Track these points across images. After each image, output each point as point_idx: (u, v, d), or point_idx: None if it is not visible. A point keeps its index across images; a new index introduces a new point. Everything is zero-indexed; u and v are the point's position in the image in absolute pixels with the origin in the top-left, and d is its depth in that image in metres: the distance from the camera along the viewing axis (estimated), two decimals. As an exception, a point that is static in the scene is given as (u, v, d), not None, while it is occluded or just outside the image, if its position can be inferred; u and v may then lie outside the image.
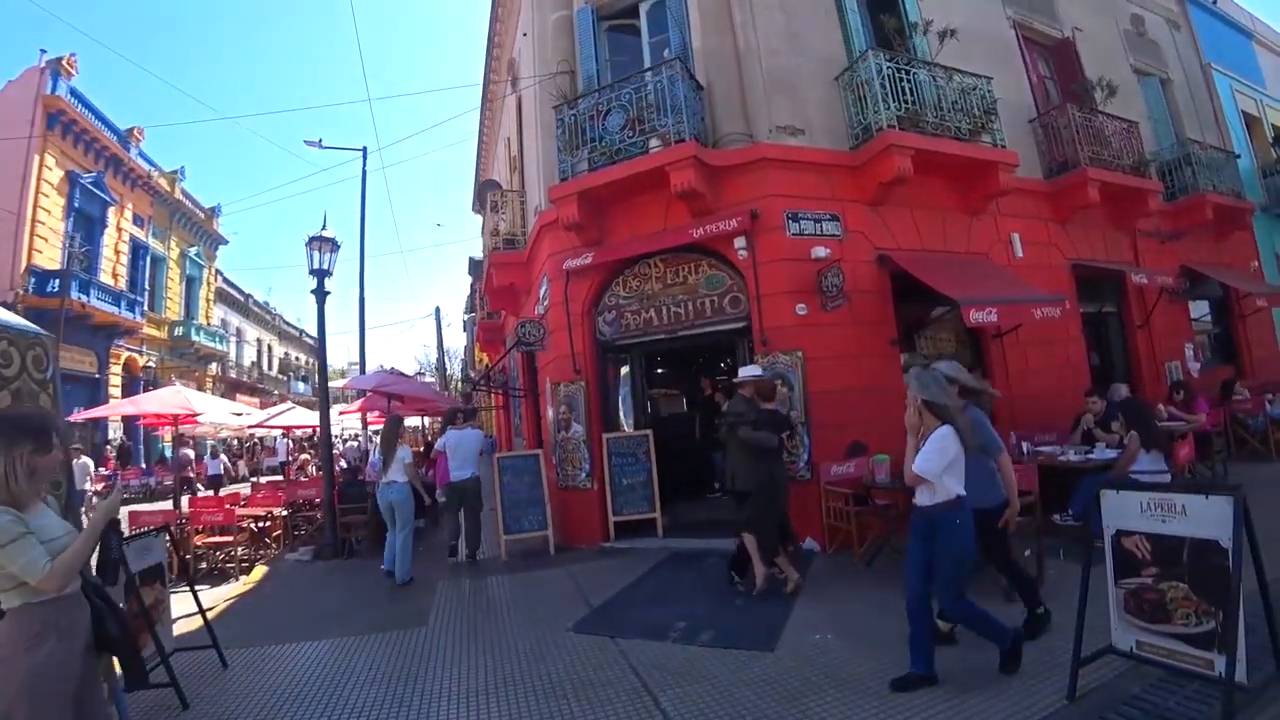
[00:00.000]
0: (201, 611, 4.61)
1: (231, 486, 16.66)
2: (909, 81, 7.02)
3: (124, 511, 10.45)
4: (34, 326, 3.37)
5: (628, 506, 7.61)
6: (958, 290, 6.27)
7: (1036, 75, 9.59)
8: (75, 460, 10.05)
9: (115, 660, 2.83)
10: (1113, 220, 9.32)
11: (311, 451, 19.43)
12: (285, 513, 9.41)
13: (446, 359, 37.01)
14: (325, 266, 9.70)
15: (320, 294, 9.89)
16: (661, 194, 6.95)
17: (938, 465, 3.26)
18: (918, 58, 7.54)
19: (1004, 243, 8.03)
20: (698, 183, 6.73)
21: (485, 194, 12.81)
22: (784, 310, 6.71)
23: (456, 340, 41.27)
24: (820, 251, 6.77)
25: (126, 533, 4.33)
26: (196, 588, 6.77)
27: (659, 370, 12.15)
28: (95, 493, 13.26)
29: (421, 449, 17.84)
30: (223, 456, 20.75)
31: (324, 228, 9.73)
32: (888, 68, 6.91)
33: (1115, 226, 9.41)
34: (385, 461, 6.93)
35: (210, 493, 14.88)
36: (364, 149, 16.73)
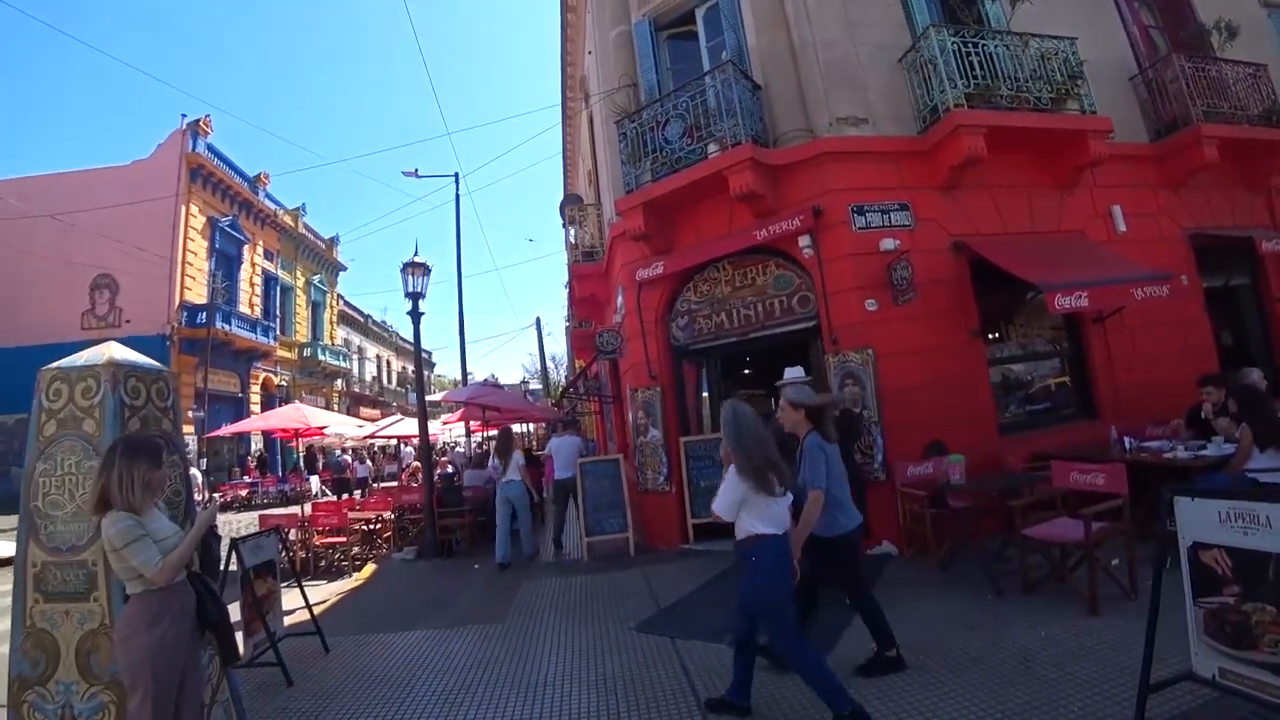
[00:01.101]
0: (307, 604, 5.23)
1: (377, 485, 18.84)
2: (978, 54, 6.62)
3: (255, 515, 11.83)
4: (157, 364, 3.88)
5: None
6: (1041, 274, 5.85)
7: (1139, 26, 8.71)
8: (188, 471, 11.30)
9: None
10: (1243, 179, 8.29)
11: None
12: (393, 516, 10.17)
13: (553, 366, 38.25)
14: (419, 290, 10.42)
15: (415, 315, 10.62)
16: (724, 198, 6.96)
17: (729, 503, 3.16)
18: (989, 27, 7.10)
19: (1103, 217, 7.37)
20: (757, 184, 6.69)
21: (565, 208, 13.25)
22: (853, 307, 6.53)
23: (561, 348, 42.61)
24: (889, 244, 6.52)
25: (243, 533, 4.94)
26: (315, 582, 7.79)
27: (745, 371, 12.09)
28: (198, 503, 14.89)
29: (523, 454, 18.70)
30: (368, 461, 22.91)
31: (415, 254, 10.43)
32: (953, 43, 6.55)
33: (1247, 186, 8.36)
34: (504, 465, 8.21)
35: (359, 492, 16.58)
36: (456, 175, 17.77)
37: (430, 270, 10.63)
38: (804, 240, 6.70)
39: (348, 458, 24.37)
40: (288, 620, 5.24)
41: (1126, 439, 5.86)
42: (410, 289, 10.36)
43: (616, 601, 5.70)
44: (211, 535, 2.98)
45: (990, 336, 7.27)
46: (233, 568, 4.59)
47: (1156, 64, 8.05)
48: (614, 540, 7.69)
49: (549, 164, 45.13)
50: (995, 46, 6.73)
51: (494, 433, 20.73)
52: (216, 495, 3.41)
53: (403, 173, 18.10)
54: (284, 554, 5.76)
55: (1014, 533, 4.62)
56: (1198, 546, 2.80)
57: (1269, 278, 8.37)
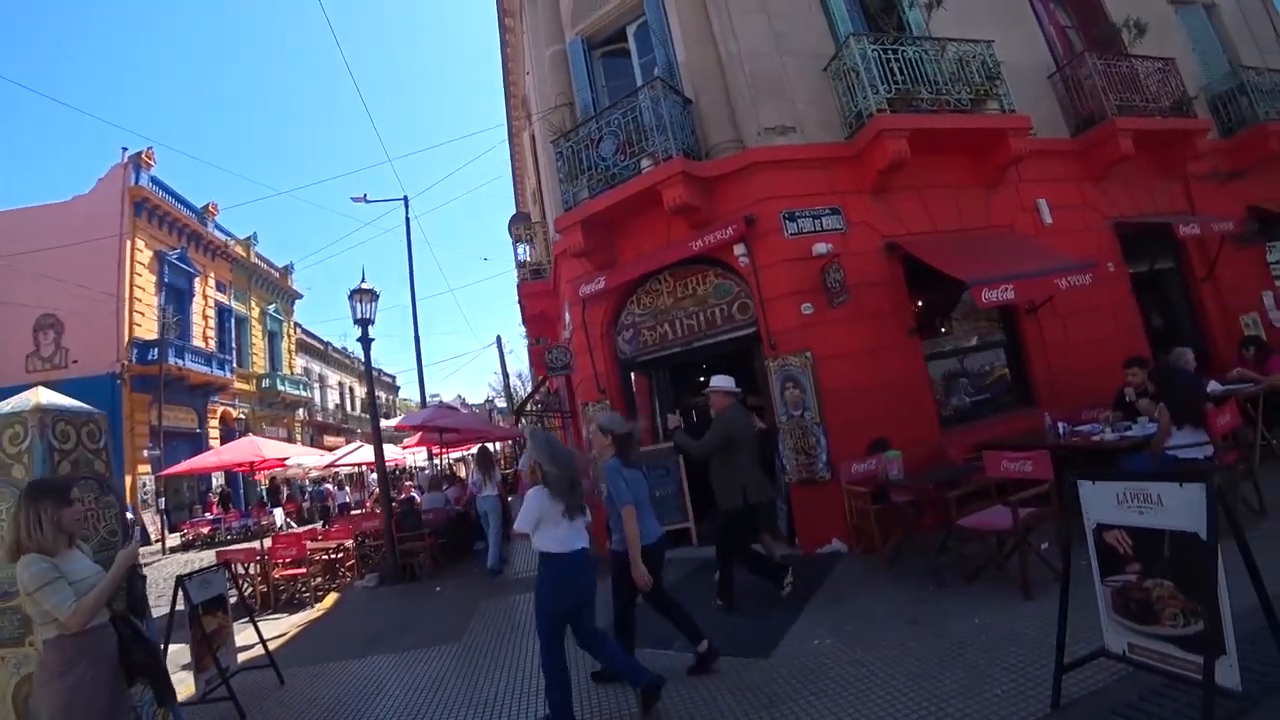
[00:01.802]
0: (260, 637, 5.18)
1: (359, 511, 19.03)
2: (898, 60, 6.81)
3: (212, 552, 11.56)
4: (87, 407, 3.84)
5: (663, 518, 7.65)
6: (968, 270, 6.02)
7: (1055, 26, 9.07)
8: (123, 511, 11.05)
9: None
10: (1159, 168, 8.66)
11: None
12: (353, 544, 10.01)
13: (520, 383, 37.98)
14: (368, 315, 10.32)
15: (365, 341, 10.53)
16: (661, 211, 7.03)
17: (528, 522, 3.46)
18: (909, 34, 7.33)
19: (1029, 211, 7.63)
20: (690, 197, 6.78)
21: (513, 227, 13.24)
22: (789, 312, 6.63)
23: (526, 365, 42.38)
24: (821, 248, 6.65)
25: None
26: (276, 615, 7.73)
27: (700, 379, 12.16)
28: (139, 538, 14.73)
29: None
30: (347, 488, 22.76)
31: (363, 280, 10.35)
32: (873, 50, 6.74)
33: (1164, 175, 8.74)
34: (484, 479, 9.21)
35: (322, 524, 16.41)
36: (405, 198, 17.73)
37: (378, 296, 10.55)
38: (739, 249, 6.80)
39: (329, 486, 24.28)
40: (245, 655, 5.20)
41: (1060, 425, 6.05)
42: (359, 315, 10.27)
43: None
44: (135, 575, 2.91)
45: (938, 331, 7.46)
46: (180, 606, 4.57)
47: (1072, 62, 8.39)
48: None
49: (500, 183, 44.93)
50: (915, 52, 6.94)
51: (454, 455, 20.85)
52: (138, 531, 3.33)
53: (351, 198, 17.95)
54: (237, 589, 5.69)
55: (952, 524, 4.74)
56: (1101, 527, 2.92)
57: (1191, 261, 8.74)
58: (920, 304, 7.24)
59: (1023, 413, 6.96)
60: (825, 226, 6.80)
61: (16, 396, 3.57)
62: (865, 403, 6.35)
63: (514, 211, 20.67)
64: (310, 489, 25.36)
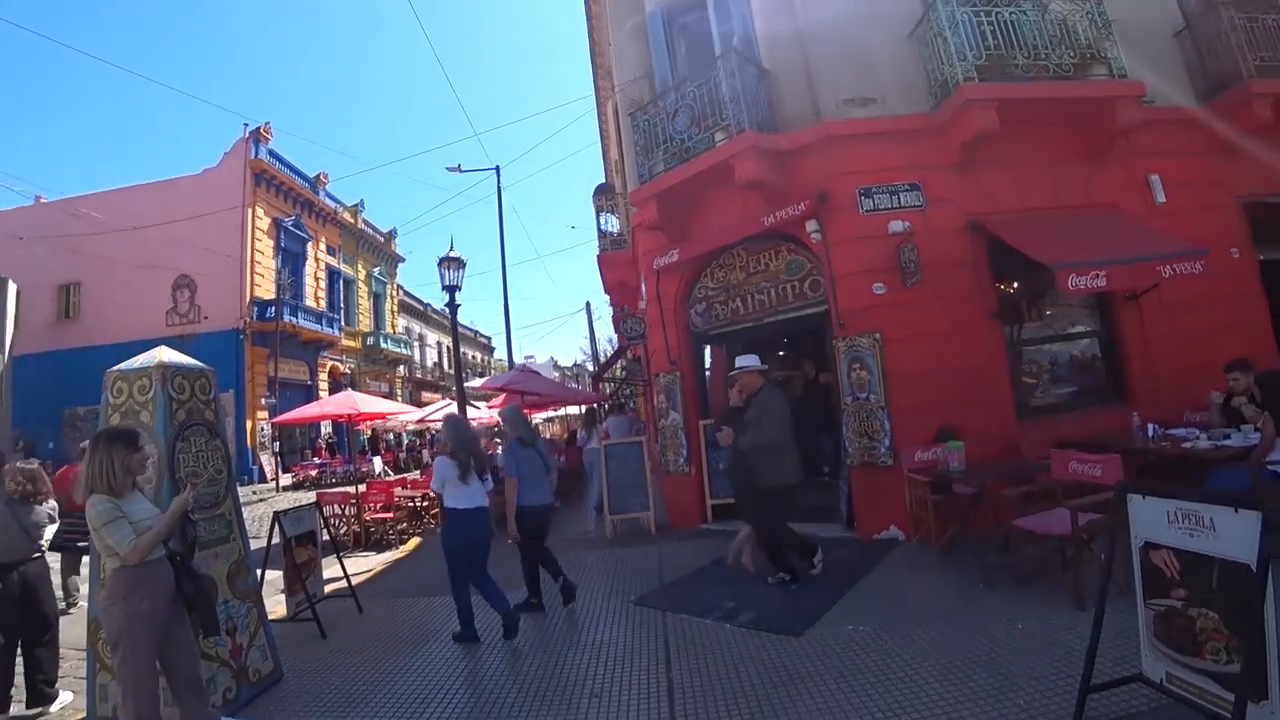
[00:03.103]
0: (345, 572, 5.78)
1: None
2: (992, 23, 6.33)
3: (314, 493, 12.72)
4: (199, 364, 4.34)
5: (723, 490, 7.81)
6: (1055, 253, 5.61)
7: (1192, -24, 8.08)
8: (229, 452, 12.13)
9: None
10: (1312, 140, 7.62)
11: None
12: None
13: (610, 347, 38.65)
14: (455, 283, 10.85)
15: (452, 306, 11.08)
16: (734, 186, 6.96)
17: (436, 482, 4.70)
18: (1009, -8, 6.77)
19: (1139, 188, 6.94)
20: (762, 171, 6.69)
21: (596, 197, 13.41)
22: (860, 291, 6.45)
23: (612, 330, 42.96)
24: (897, 226, 6.39)
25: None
26: (365, 553, 8.52)
27: (780, 353, 12.05)
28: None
29: (566, 435, 19.38)
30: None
31: (451, 249, 10.85)
32: (962, 12, 6.28)
33: (1317, 147, 7.69)
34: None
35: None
36: (496, 168, 18.18)
37: (465, 263, 11.04)
38: (811, 225, 6.65)
39: (419, 439, 26.09)
40: (332, 586, 5.79)
41: (1150, 426, 5.60)
42: (447, 282, 10.81)
43: (626, 576, 5.99)
44: (188, 520, 3.31)
45: (1024, 317, 7.02)
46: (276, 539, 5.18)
47: (1204, 17, 7.47)
48: (636, 519, 7.97)
49: (590, 151, 45.28)
50: (1011, 13, 6.42)
51: (539, 417, 21.73)
52: (190, 485, 3.84)
53: (446, 168, 18.67)
54: (327, 527, 6.40)
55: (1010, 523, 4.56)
56: (1149, 546, 2.75)
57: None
58: (1005, 287, 6.83)
59: (1111, 410, 6.46)
60: (903, 203, 6.51)
61: (143, 355, 4.09)
62: (935, 388, 6.12)
63: (602, 180, 20.88)
64: (407, 440, 27.22)
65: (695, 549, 6.61)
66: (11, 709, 3.87)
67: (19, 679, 3.95)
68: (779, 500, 5.04)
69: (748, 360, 5.35)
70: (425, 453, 23.97)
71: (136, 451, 3.09)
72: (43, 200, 20.46)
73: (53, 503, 4.44)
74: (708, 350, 9.22)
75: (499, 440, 13.72)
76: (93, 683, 3.63)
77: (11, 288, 19.46)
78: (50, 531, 4.34)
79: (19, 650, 3.96)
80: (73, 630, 4.11)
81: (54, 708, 3.94)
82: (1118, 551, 2.90)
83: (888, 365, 6.25)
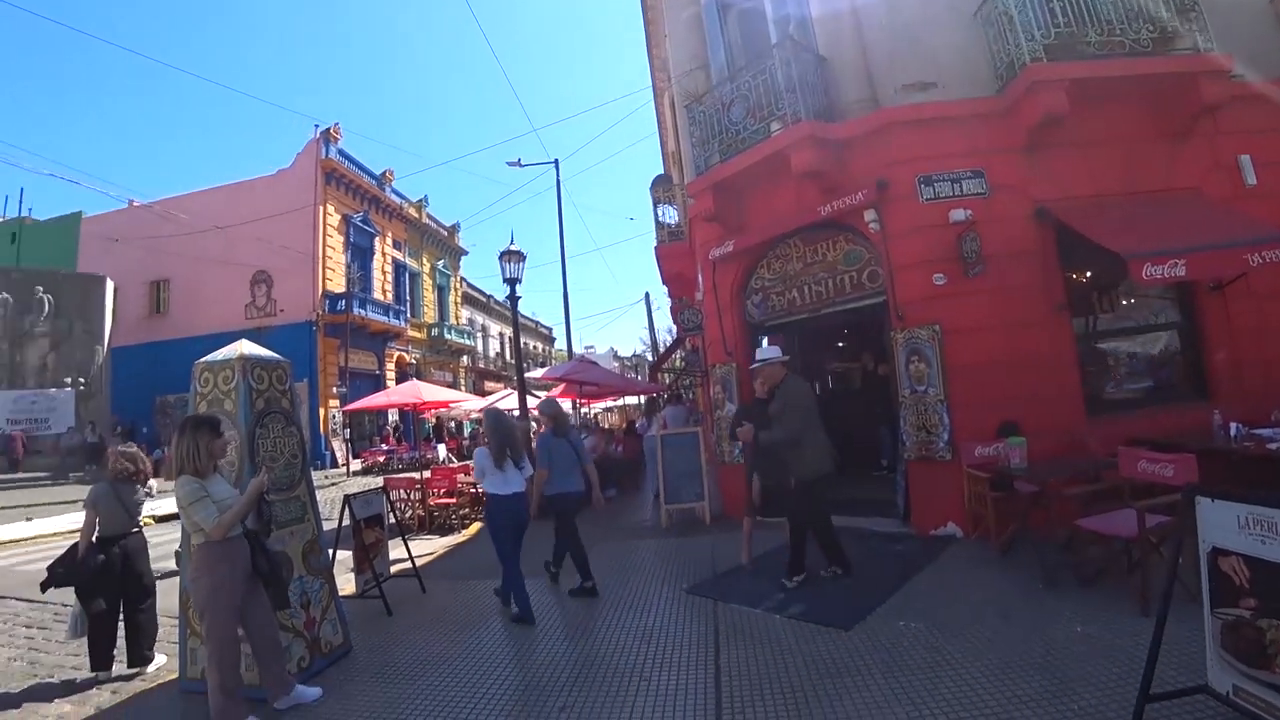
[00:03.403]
0: (409, 553, 6.09)
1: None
2: (1062, 0, 6.04)
3: (383, 478, 13.30)
4: (277, 356, 4.62)
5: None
6: (1126, 242, 5.34)
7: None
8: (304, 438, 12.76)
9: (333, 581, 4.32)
10: None
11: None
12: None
13: (669, 338, 38.79)
14: (516, 275, 11.14)
15: (513, 299, 11.38)
16: (790, 176, 6.91)
17: (477, 472, 5.08)
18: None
19: (1227, 169, 6.48)
20: (818, 161, 6.61)
21: (654, 189, 13.45)
22: (919, 281, 6.29)
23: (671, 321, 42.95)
24: (959, 214, 6.18)
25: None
26: (429, 536, 8.89)
27: (840, 344, 11.88)
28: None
29: (624, 425, 19.59)
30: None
31: (511, 242, 11.13)
32: (1031, -12, 6.02)
33: None
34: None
35: None
36: (555, 161, 18.43)
37: (525, 257, 11.30)
38: (869, 215, 6.52)
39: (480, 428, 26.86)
40: (397, 566, 6.10)
41: (1233, 425, 5.27)
42: (508, 275, 11.10)
43: (680, 565, 6.08)
44: (264, 501, 3.59)
45: (1096, 308, 6.69)
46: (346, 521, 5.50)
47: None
48: (691, 508, 8.03)
49: (648, 143, 45.24)
50: (1082, -11, 6.11)
51: (599, 406, 22.11)
52: (265, 469, 4.13)
53: (506, 163, 19.07)
54: (392, 510, 6.72)
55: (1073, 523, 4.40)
56: (1217, 552, 2.63)
57: None
58: (1075, 277, 6.53)
59: (1190, 407, 6.09)
60: (965, 191, 6.30)
61: (226, 348, 4.39)
62: (997, 382, 5.94)
63: (660, 172, 20.90)
64: (469, 429, 28.05)
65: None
66: (114, 669, 4.26)
67: (120, 642, 4.34)
68: (807, 493, 4.98)
69: (770, 352, 5.34)
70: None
71: (218, 437, 3.37)
72: (135, 204, 21.99)
73: (152, 483, 4.84)
74: (764, 341, 9.18)
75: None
76: (184, 647, 3.97)
77: (109, 285, 21.08)
78: (148, 509, 4.74)
79: (120, 616, 4.35)
80: (168, 599, 4.48)
81: (150, 669, 4.32)
82: (1185, 556, 2.78)
83: (947, 358, 6.09)
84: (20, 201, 43.33)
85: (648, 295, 45.73)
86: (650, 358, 41.38)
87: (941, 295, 6.20)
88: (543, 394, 18.65)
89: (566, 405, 21.87)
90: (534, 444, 6.16)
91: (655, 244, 12.87)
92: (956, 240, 6.13)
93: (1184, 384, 6.52)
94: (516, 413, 11.13)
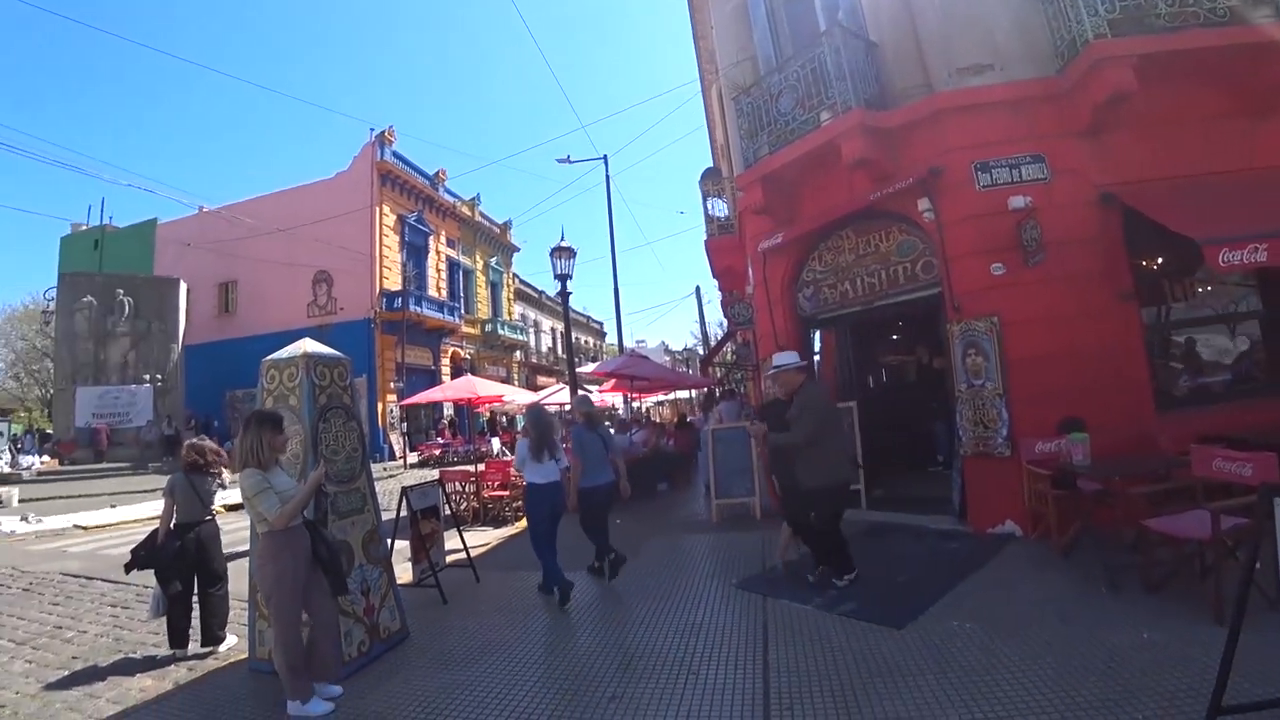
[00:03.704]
0: (464, 544, 6.24)
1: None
2: (1129, -30, 5.72)
3: (437, 471, 13.68)
4: (338, 353, 4.82)
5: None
6: (1204, 226, 5.03)
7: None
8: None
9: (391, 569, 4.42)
10: None
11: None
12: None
13: (720, 331, 38.65)
14: (566, 271, 11.30)
15: (564, 295, 11.54)
16: (842, 166, 6.77)
17: (518, 462, 5.56)
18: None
19: (1317, 146, 6.07)
20: (869, 150, 6.47)
21: (703, 183, 13.37)
22: (976, 272, 6.09)
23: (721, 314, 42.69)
24: (1018, 201, 5.96)
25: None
26: (483, 528, 9.17)
27: (894, 337, 11.61)
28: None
29: (675, 419, 19.60)
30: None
31: (562, 239, 11.29)
32: (1095, -40, 5.71)
33: None
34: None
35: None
36: (604, 157, 18.51)
37: (575, 253, 11.45)
38: (923, 203, 6.34)
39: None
40: (452, 557, 6.29)
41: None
42: (559, 271, 11.26)
43: (730, 560, 6.08)
44: (322, 492, 3.75)
45: (1167, 297, 6.36)
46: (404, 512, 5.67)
47: None
48: (741, 504, 8.02)
49: (696, 136, 45.05)
50: (1152, -43, 5.76)
51: (650, 400, 22.19)
52: (323, 461, 4.31)
53: (556, 160, 19.29)
54: (448, 502, 6.92)
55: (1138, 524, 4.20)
56: (1299, 559, 2.48)
57: None
58: (1145, 264, 6.21)
59: (1273, 401, 5.68)
60: (1024, 177, 6.07)
61: (291, 346, 4.59)
62: (1058, 376, 5.71)
63: (709, 165, 20.75)
64: (521, 423, 28.58)
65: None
66: (190, 647, 4.56)
67: (196, 622, 4.64)
68: (823, 501, 4.79)
69: (787, 357, 5.22)
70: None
71: (280, 433, 3.56)
72: (205, 209, 23.17)
73: (226, 474, 5.12)
74: (816, 335, 9.06)
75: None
76: (253, 629, 4.20)
77: (183, 287, 22.28)
78: (219, 498, 5.02)
79: (195, 598, 4.63)
80: (238, 582, 4.75)
81: (222, 648, 4.60)
82: (1263, 561, 2.63)
83: (1006, 351, 5.89)
84: (102, 210, 46.13)
85: (698, 289, 45.67)
86: (701, 352, 41.30)
87: (1000, 285, 5.99)
88: (593, 389, 18.93)
89: (618, 399, 22.28)
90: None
91: (705, 237, 12.81)
92: (1015, 228, 5.91)
93: (1266, 376, 6.13)
94: (568, 408, 11.29)
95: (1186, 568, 3.98)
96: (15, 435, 25.03)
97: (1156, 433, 5.49)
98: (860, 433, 7.57)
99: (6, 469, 17.68)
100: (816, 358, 9.18)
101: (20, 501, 13.82)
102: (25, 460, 18.62)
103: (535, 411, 5.72)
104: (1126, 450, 5.33)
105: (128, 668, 4.39)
